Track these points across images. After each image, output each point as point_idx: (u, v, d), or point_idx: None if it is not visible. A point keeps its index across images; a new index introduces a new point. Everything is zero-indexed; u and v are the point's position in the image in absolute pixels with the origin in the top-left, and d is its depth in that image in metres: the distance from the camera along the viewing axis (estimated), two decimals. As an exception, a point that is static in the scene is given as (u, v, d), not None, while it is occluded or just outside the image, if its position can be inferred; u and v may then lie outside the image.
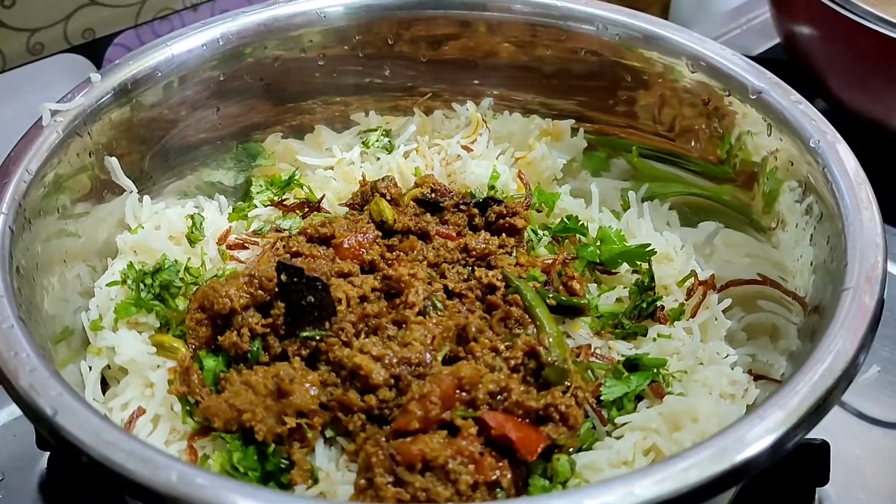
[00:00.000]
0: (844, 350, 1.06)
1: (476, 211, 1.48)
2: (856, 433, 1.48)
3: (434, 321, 1.27)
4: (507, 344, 1.26)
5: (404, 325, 1.26)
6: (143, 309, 1.35)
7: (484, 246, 1.40)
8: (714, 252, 1.51)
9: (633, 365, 1.31)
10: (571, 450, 1.19)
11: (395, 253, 1.40)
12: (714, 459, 0.96)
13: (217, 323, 1.29)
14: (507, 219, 1.46)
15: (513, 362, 1.23)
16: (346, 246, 1.36)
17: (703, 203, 1.54)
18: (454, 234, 1.44)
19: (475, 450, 1.12)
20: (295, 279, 1.25)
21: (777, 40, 2.08)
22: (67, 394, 1.03)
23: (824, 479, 1.32)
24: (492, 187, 1.54)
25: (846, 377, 1.04)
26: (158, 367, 1.29)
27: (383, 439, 1.15)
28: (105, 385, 1.34)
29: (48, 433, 1.02)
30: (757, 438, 0.97)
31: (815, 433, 1.22)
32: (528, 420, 1.18)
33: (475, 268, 1.38)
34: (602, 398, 1.26)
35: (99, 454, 0.97)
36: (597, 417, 1.25)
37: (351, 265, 1.34)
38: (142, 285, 1.36)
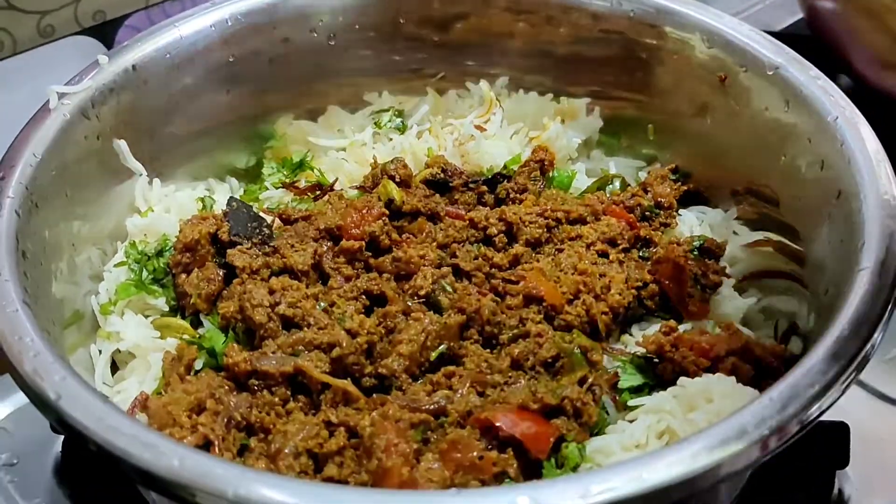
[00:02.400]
0: (858, 330, 1.04)
1: (485, 188, 1.47)
2: (877, 414, 1.45)
3: (429, 319, 1.26)
4: (514, 332, 1.26)
5: (408, 316, 1.27)
6: (143, 291, 1.36)
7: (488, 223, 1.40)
8: (733, 234, 1.49)
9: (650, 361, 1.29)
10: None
11: (404, 235, 1.40)
12: (724, 443, 0.94)
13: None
14: (517, 195, 1.45)
15: (517, 351, 1.23)
16: (348, 221, 1.37)
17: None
18: (463, 214, 1.43)
19: (473, 457, 1.11)
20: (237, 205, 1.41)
21: (800, 15, 2.05)
22: (71, 378, 1.04)
23: (844, 462, 1.31)
24: (504, 168, 1.53)
25: (860, 358, 1.02)
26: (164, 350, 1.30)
27: None
28: (118, 368, 1.35)
29: (51, 417, 1.03)
30: (768, 420, 0.96)
31: (835, 415, 1.21)
32: (540, 412, 1.17)
33: (482, 245, 1.38)
34: (619, 384, 1.25)
35: (102, 439, 0.97)
36: (610, 402, 1.23)
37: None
38: (144, 269, 1.37)
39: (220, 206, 1.49)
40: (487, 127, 1.60)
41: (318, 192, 1.54)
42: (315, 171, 1.58)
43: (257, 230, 1.38)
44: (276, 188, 1.56)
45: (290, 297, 1.27)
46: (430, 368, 1.25)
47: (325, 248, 1.36)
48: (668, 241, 1.42)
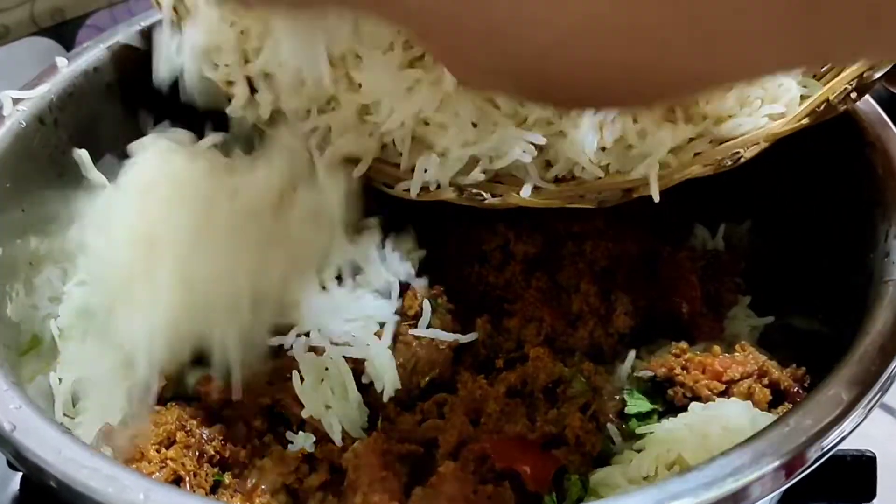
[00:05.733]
0: (882, 350, 1.05)
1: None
2: (908, 443, 1.47)
3: (418, 343, 1.28)
4: (511, 357, 1.28)
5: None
6: (105, 312, 1.36)
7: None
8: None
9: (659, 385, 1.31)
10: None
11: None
12: (736, 472, 0.95)
13: None
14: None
15: (514, 377, 1.25)
16: None
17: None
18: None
19: (467, 491, 1.12)
20: None
21: None
22: (28, 407, 1.05)
23: (871, 495, 1.31)
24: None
25: (884, 379, 1.04)
26: (131, 378, 1.30)
27: None
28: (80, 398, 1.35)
29: (7, 450, 1.03)
30: (784, 447, 0.97)
31: (861, 444, 1.22)
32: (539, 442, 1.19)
33: (475, 261, 1.39)
34: (626, 410, 1.26)
35: (61, 472, 0.98)
36: (616, 430, 1.24)
37: None
38: None
39: (190, 221, 1.50)
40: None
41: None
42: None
43: None
44: (252, 200, 1.57)
45: (267, 316, 1.28)
46: (420, 396, 1.26)
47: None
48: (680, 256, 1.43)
